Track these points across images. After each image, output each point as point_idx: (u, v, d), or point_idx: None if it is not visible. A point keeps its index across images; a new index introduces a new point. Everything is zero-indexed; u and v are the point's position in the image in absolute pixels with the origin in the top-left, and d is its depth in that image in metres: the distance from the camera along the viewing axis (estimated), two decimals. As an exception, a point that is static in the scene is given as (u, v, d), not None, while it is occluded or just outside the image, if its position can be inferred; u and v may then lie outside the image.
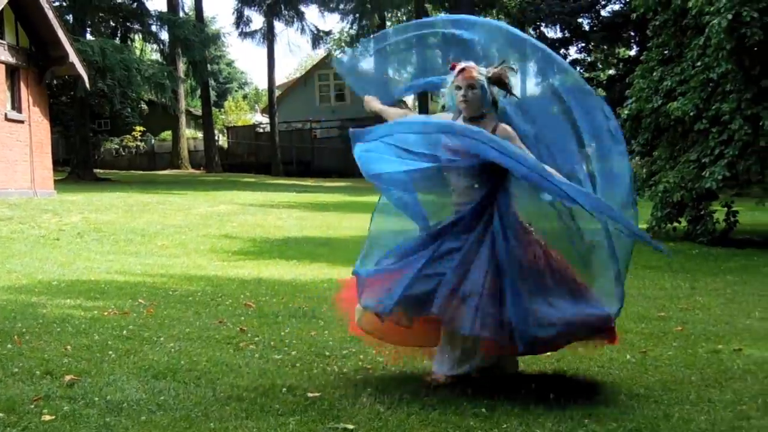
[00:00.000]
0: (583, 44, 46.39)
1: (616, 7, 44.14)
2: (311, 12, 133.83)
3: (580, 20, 45.04)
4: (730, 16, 14.14)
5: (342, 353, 6.21)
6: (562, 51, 46.60)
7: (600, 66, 48.38)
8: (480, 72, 5.32)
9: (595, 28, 44.64)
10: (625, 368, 5.82)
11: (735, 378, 5.56)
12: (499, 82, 5.36)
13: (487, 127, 5.24)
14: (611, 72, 47.10)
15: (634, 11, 19.36)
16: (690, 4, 15.71)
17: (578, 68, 47.63)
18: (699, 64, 16.29)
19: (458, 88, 5.34)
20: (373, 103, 6.07)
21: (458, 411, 4.71)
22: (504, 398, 4.93)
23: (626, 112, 18.61)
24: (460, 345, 5.27)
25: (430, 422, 4.54)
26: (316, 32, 45.51)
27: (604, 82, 45.66)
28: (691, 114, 15.88)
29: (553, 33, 47.10)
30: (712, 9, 14.73)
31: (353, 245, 14.46)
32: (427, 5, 43.55)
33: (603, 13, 45.13)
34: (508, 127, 5.34)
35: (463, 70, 5.33)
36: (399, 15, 48.52)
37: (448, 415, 4.64)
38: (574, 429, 4.46)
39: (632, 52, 45.80)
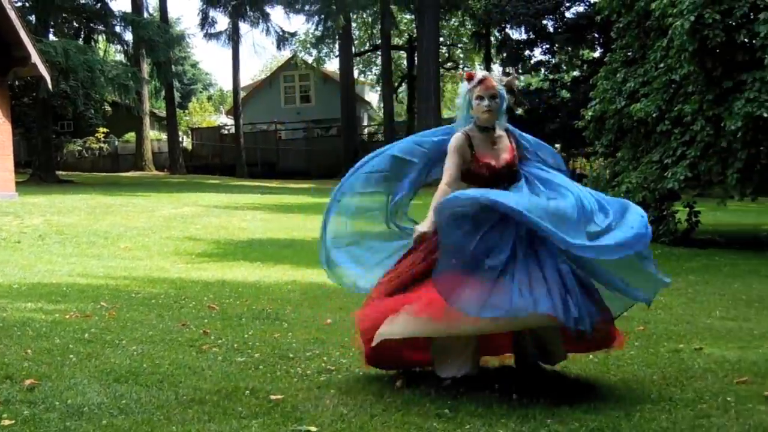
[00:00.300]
0: (548, 46, 46.53)
1: (581, 9, 44.35)
2: (276, 13, 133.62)
3: (544, 22, 45.17)
4: (692, 18, 14.25)
5: (306, 355, 6.19)
6: (527, 52, 46.82)
7: (564, 67, 48.57)
8: (498, 80, 5.39)
9: (559, 30, 44.79)
10: (587, 368, 5.84)
11: (696, 377, 5.60)
12: (510, 90, 5.44)
13: (499, 134, 5.46)
14: (575, 73, 47.30)
15: (599, 13, 19.51)
16: (653, 6, 15.83)
17: (543, 70, 47.97)
18: (662, 65, 16.43)
19: (479, 98, 5.33)
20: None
21: (421, 412, 4.71)
22: (467, 399, 4.94)
23: (590, 113, 18.74)
24: (463, 346, 5.31)
25: (393, 424, 4.54)
26: (281, 33, 45.38)
27: (568, 83, 45.87)
28: (654, 115, 16.02)
29: (518, 34, 47.23)
30: (674, 11, 14.84)
31: (317, 246, 14.45)
32: (392, 6, 43.54)
33: (567, 14, 45.31)
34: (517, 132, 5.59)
35: (483, 79, 5.34)
36: (365, 16, 48.52)
37: (411, 417, 4.64)
38: (537, 429, 4.47)
39: (596, 54, 46.01)
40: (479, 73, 5.40)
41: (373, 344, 5.23)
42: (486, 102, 5.30)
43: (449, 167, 5.32)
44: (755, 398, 5.08)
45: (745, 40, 14.71)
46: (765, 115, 13.69)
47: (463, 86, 5.41)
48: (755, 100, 13.96)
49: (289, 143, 48.96)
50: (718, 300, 9.47)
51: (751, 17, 14.59)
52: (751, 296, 9.58)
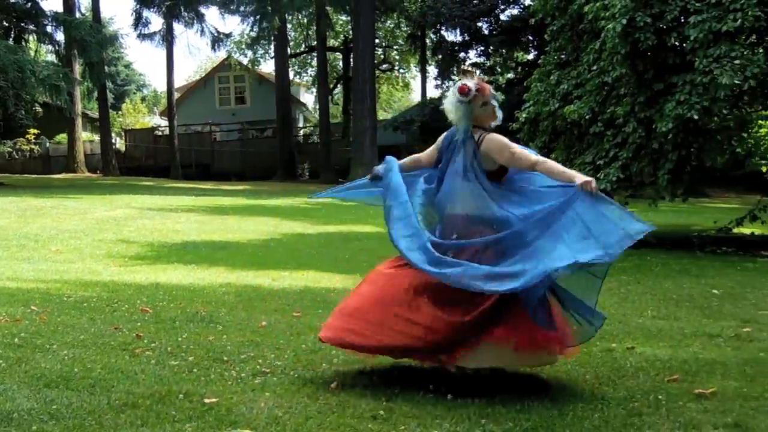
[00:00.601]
0: (483, 48, 46.82)
1: (515, 11, 44.67)
2: (211, 14, 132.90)
3: (479, 24, 45.43)
4: (624, 21, 14.41)
5: (240, 358, 6.15)
6: (462, 54, 47.03)
7: (499, 70, 48.90)
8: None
9: (494, 32, 45.08)
10: (521, 367, 5.88)
11: (628, 376, 5.66)
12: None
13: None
14: (510, 75, 47.64)
15: (533, 16, 19.67)
16: (586, 9, 15.98)
17: (478, 72, 48.10)
18: (595, 68, 16.59)
19: (485, 104, 5.60)
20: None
21: (356, 414, 4.71)
22: (401, 400, 4.95)
23: (524, 115, 18.86)
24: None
25: (329, 425, 4.53)
26: (216, 34, 45.02)
27: (503, 85, 46.15)
28: (587, 117, 16.17)
29: (453, 36, 47.45)
30: (607, 14, 15.00)
31: (252, 249, 14.39)
32: (328, 8, 43.47)
33: (502, 17, 45.62)
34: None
35: (481, 87, 5.59)
36: (300, 17, 48.37)
37: (346, 418, 4.64)
38: (472, 429, 4.49)
39: (530, 56, 46.41)
40: (470, 82, 5.57)
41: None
42: (493, 103, 5.63)
43: (521, 149, 5.67)
44: (685, 396, 5.16)
45: (676, 43, 14.92)
46: (695, 117, 13.89)
47: (456, 98, 5.62)
48: (685, 103, 14.16)
49: (224, 145, 48.66)
50: (650, 299, 9.59)
51: (682, 20, 14.80)
52: (681, 296, 9.72)
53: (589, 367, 5.95)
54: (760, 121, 19.19)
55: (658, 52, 14.90)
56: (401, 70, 60.99)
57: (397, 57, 58.29)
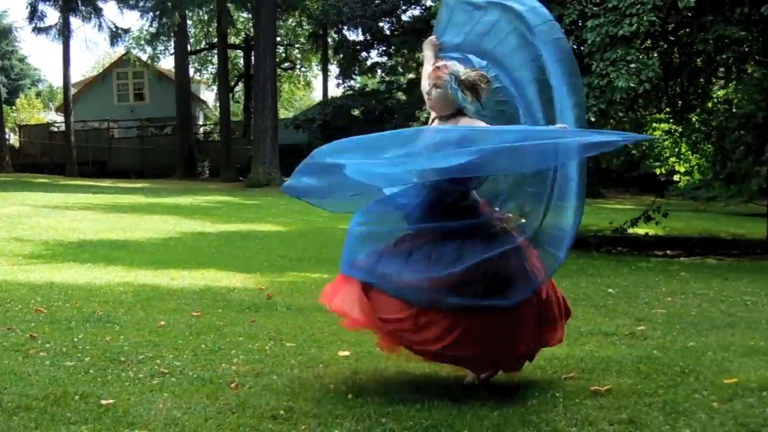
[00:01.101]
0: (385, 48, 46.99)
1: (417, 12, 44.91)
2: (110, 8, 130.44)
3: (381, 24, 45.58)
4: (524, 24, 14.59)
5: (138, 358, 6.04)
6: (364, 54, 47.14)
7: (401, 70, 49.12)
8: (452, 72, 5.29)
9: (395, 32, 45.28)
10: (420, 366, 5.90)
11: (525, 374, 5.73)
12: (472, 88, 5.30)
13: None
14: (411, 76, 47.89)
15: (434, 17, 19.78)
16: (486, 11, 16.14)
17: (379, 71, 48.38)
18: (496, 69, 16.77)
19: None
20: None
21: (256, 414, 4.68)
22: (302, 399, 4.93)
23: (425, 115, 18.94)
24: None
25: (228, 426, 4.49)
26: (114, 29, 44.25)
27: (405, 85, 46.40)
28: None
29: (355, 36, 47.51)
30: (506, 17, 15.16)
31: (151, 248, 14.19)
32: (229, 5, 43.10)
33: (404, 17, 45.84)
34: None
35: (436, 68, 5.35)
36: (201, 14, 47.87)
37: (245, 419, 4.60)
38: (372, 428, 4.50)
39: (431, 57, 46.61)
40: (439, 61, 5.52)
41: None
42: (434, 93, 5.42)
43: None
44: (582, 393, 5.25)
45: (574, 46, 15.17)
46: (592, 119, 14.14)
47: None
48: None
49: (122, 142, 47.92)
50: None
51: (580, 24, 15.06)
52: (578, 295, 9.88)
53: (488, 365, 6.00)
54: (654, 124, 19.68)
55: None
56: (303, 69, 60.87)
57: (298, 55, 58.12)
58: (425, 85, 5.49)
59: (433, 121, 5.50)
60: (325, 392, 5.13)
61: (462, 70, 5.32)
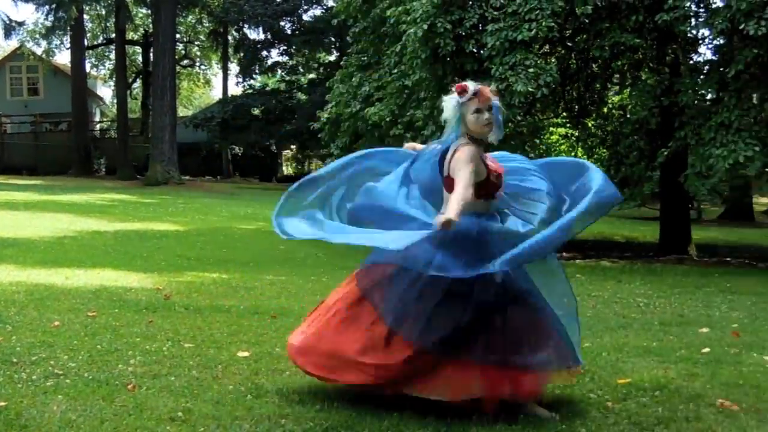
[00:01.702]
0: (285, 47, 46.91)
1: (318, 12, 44.94)
2: (3, 1, 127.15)
3: (282, 23, 45.51)
4: (425, 27, 14.71)
5: (31, 359, 5.90)
6: (265, 53, 46.95)
7: (301, 69, 49.09)
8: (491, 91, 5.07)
9: (297, 32, 45.24)
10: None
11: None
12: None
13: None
14: (312, 76, 47.91)
15: (335, 17, 19.82)
16: (388, 13, 16.24)
17: (279, 71, 48.23)
18: (396, 71, 16.90)
19: (478, 111, 4.95)
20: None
21: (154, 416, 4.61)
22: (201, 401, 4.88)
23: (326, 115, 19.03)
24: None
25: (125, 428, 4.42)
26: (8, 22, 43.16)
27: (305, 85, 46.36)
28: (388, 119, 16.43)
29: (256, 34, 47.34)
30: (408, 19, 15.27)
31: (44, 246, 13.89)
32: (128, 0, 42.45)
33: (305, 17, 45.85)
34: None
35: (479, 91, 4.97)
36: (98, 8, 47.03)
37: (143, 421, 4.53)
38: (272, 429, 4.48)
39: (333, 57, 46.80)
40: (471, 85, 5.00)
41: None
42: (486, 115, 4.97)
43: (467, 178, 4.80)
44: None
45: (474, 49, 15.35)
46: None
47: (453, 99, 5.03)
48: (482, 108, 14.60)
49: (14, 137, 46.81)
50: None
51: (480, 28, 15.24)
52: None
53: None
54: (551, 128, 20.03)
55: (457, 58, 15.28)
56: (202, 67, 60.39)
57: (198, 53, 57.60)
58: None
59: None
60: (224, 393, 5.08)
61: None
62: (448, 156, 5.02)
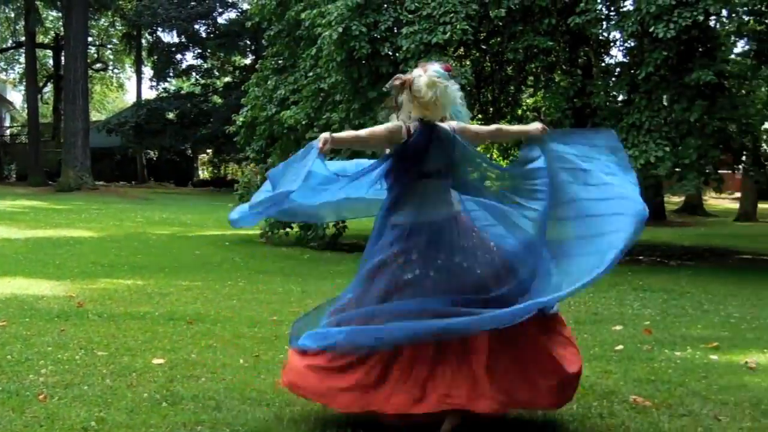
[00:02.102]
0: (200, 50, 46.56)
1: (233, 15, 44.70)
2: None
3: (196, 26, 45.16)
4: (340, 30, 14.71)
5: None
6: (179, 56, 46.54)
7: (217, 73, 48.78)
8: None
9: (211, 35, 44.92)
10: (237, 373, 5.85)
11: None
12: None
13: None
14: (228, 79, 47.62)
15: (250, 20, 19.71)
16: (303, 16, 16.21)
17: (194, 74, 47.85)
18: (311, 74, 16.87)
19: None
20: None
21: (66, 426, 4.53)
22: (114, 410, 4.80)
23: (241, 119, 18.92)
24: None
25: (35, 439, 4.33)
26: None
27: (220, 89, 46.07)
28: (303, 122, 16.40)
29: (170, 38, 46.90)
30: (323, 21, 15.26)
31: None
32: (38, 2, 41.67)
33: (220, 20, 45.54)
34: None
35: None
36: (7, 11, 46.14)
37: (55, 431, 4.44)
38: (184, 436, 4.43)
39: (248, 61, 46.60)
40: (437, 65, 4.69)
41: None
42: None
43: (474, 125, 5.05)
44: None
45: (389, 52, 15.40)
46: (407, 125, 14.38)
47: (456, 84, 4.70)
48: (397, 111, 14.67)
49: None
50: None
51: (395, 31, 15.31)
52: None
53: (305, 370, 6.00)
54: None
55: (372, 61, 15.32)
56: (115, 70, 59.62)
57: (111, 56, 56.85)
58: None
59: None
60: (138, 402, 5.01)
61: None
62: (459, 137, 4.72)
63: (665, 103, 14.81)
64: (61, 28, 44.43)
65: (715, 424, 4.91)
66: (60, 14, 45.34)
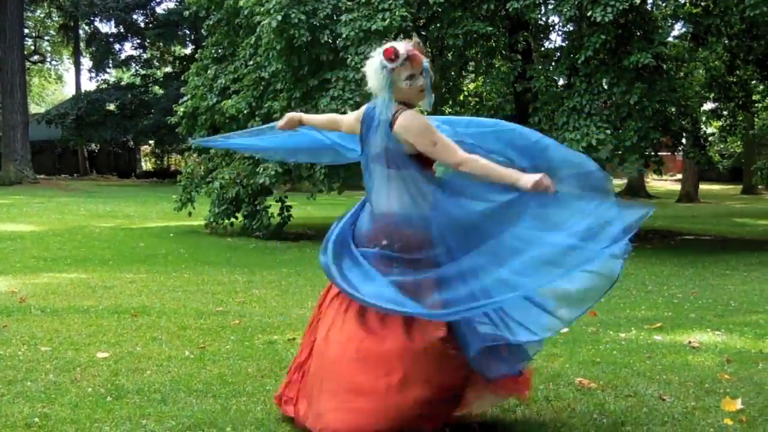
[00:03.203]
0: (139, 41, 46.13)
1: (171, 5, 44.36)
2: None
3: (135, 16, 44.74)
4: (279, 18, 14.66)
5: None
6: (117, 47, 46.05)
7: (157, 63, 48.36)
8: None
9: (150, 25, 44.53)
10: (183, 365, 5.82)
11: (287, 365, 5.77)
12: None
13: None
14: (168, 69, 47.25)
15: (188, 9, 19.55)
16: (242, 4, 16.12)
17: (134, 65, 47.39)
18: (251, 63, 16.81)
19: (411, 77, 4.42)
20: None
21: (9, 423, 4.48)
22: (58, 405, 4.76)
23: (182, 109, 18.79)
24: None
25: (-22, 438, 4.29)
26: None
27: (161, 79, 45.69)
28: (245, 111, 16.34)
29: (108, 28, 46.39)
30: (262, 10, 15.20)
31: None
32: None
33: (158, 10, 45.15)
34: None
35: (412, 56, 4.41)
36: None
37: (-1, 429, 4.41)
38: (133, 430, 4.41)
39: (188, 50, 46.26)
40: (402, 48, 4.41)
41: None
42: (420, 81, 4.48)
43: (447, 141, 4.46)
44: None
45: (329, 40, 15.38)
46: (349, 111, 14.38)
47: (380, 65, 4.42)
48: (339, 98, 14.67)
49: None
50: (310, 290, 9.82)
51: (335, 18, 15.29)
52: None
53: (251, 360, 6.00)
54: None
55: (312, 48, 15.30)
56: (54, 62, 58.83)
57: (48, 48, 56.08)
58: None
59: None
60: (82, 396, 4.97)
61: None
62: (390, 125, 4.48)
63: (605, 87, 14.98)
64: (-3, 21, 43.79)
65: (659, 404, 5.00)
66: (-5, 6, 44.68)
